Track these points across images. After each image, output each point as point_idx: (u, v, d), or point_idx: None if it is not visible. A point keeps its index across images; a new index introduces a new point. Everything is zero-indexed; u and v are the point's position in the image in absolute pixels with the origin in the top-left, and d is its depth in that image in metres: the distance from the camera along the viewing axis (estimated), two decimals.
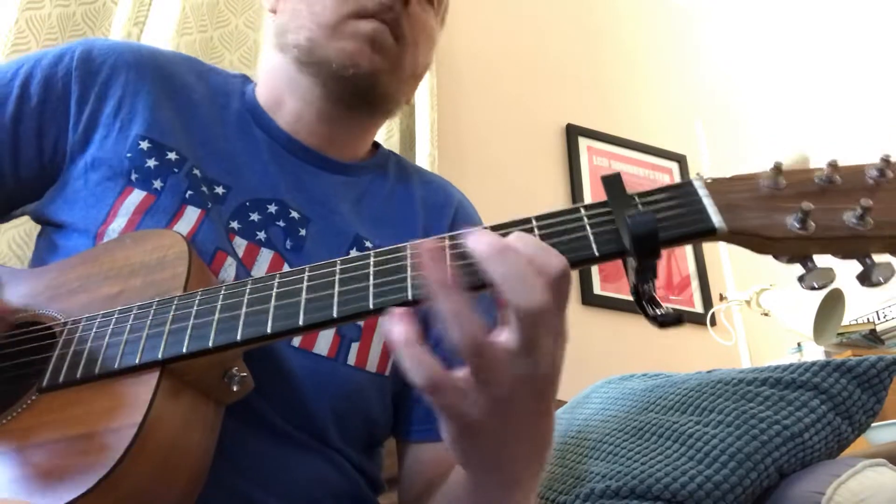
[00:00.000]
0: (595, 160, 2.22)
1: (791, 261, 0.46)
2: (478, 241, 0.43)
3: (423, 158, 1.74)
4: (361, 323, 0.71)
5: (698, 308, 2.15)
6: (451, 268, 0.43)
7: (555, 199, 2.09)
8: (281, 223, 0.72)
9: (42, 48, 1.36)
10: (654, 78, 2.50)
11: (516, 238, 0.44)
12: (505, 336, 0.43)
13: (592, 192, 2.14)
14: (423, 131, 1.78)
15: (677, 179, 2.32)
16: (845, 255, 0.45)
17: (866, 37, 2.64)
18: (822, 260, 0.45)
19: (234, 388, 0.54)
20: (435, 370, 0.42)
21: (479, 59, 2.16)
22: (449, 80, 2.02)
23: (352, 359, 0.69)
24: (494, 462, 0.48)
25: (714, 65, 2.68)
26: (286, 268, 0.70)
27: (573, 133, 2.22)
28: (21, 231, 1.26)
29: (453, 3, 0.91)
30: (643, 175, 2.29)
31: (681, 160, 2.37)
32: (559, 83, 2.30)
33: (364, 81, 0.74)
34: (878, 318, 1.98)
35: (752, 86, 2.71)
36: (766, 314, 1.93)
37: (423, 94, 1.83)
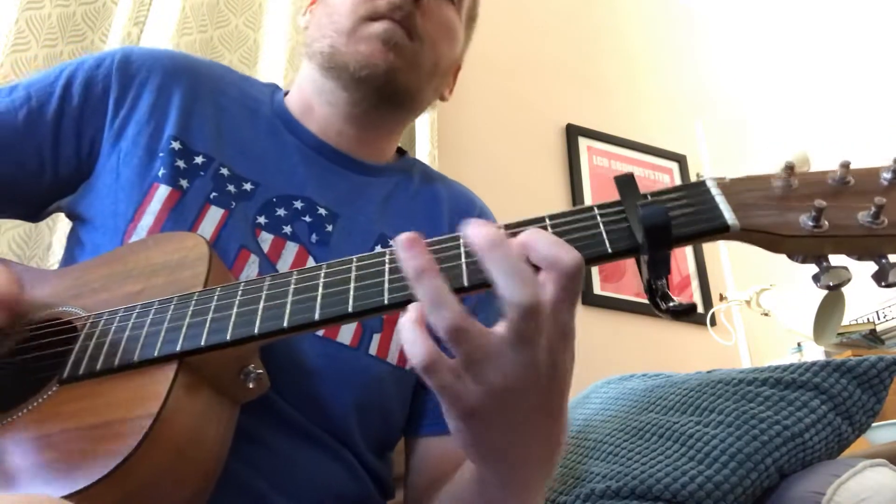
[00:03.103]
0: (595, 160, 2.22)
1: (805, 260, 0.46)
2: (476, 234, 0.44)
3: (423, 158, 1.73)
4: (383, 315, 0.72)
5: (698, 308, 2.15)
6: (426, 255, 0.43)
7: (555, 199, 2.09)
8: (307, 218, 0.75)
9: (42, 48, 1.36)
10: (654, 78, 2.50)
11: (531, 233, 0.45)
12: (501, 326, 0.43)
13: (593, 192, 2.14)
14: (423, 131, 1.78)
15: (677, 179, 2.33)
16: (860, 256, 0.45)
17: (866, 37, 2.64)
18: (836, 259, 0.45)
19: (250, 386, 0.54)
20: (430, 350, 0.43)
21: (479, 59, 2.16)
22: None
23: (373, 349, 0.70)
24: (499, 456, 0.49)
25: (714, 65, 2.68)
26: (311, 262, 0.72)
27: (573, 133, 2.22)
28: (21, 231, 1.26)
29: None
30: (643, 175, 2.28)
31: (681, 160, 2.37)
32: (559, 83, 2.30)
33: (380, 80, 0.76)
34: (878, 318, 1.98)
35: (752, 86, 2.71)
36: (766, 314, 1.93)
37: None
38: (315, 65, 0.80)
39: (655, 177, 2.30)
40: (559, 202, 2.08)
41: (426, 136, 1.77)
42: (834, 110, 2.59)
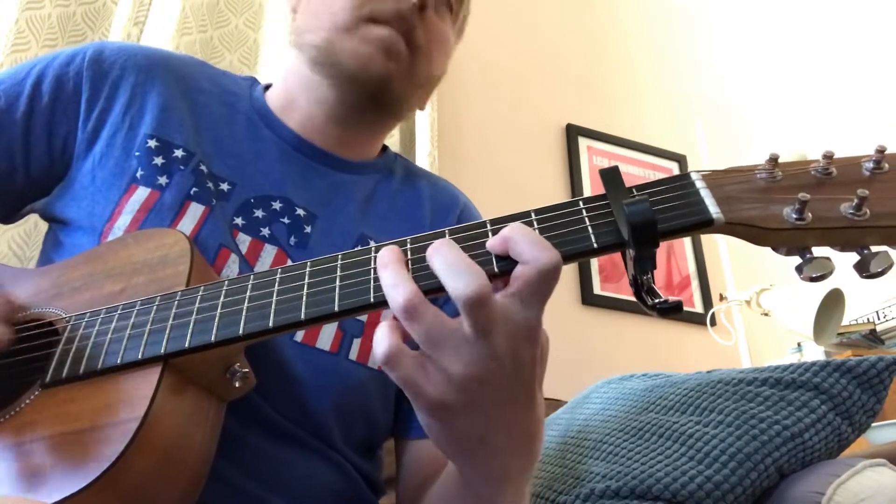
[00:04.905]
0: (595, 160, 2.22)
1: (789, 252, 0.46)
2: (432, 252, 0.45)
3: (423, 158, 1.74)
4: (364, 319, 0.72)
5: (698, 308, 2.15)
6: (397, 252, 0.46)
7: (555, 199, 2.07)
8: (286, 220, 0.73)
9: (42, 48, 1.36)
10: (654, 78, 2.50)
11: (515, 228, 0.45)
12: (460, 319, 0.44)
13: (593, 192, 2.12)
14: (423, 131, 1.78)
15: None
16: (843, 247, 0.45)
17: (865, 37, 2.64)
18: (819, 251, 0.46)
19: (236, 385, 0.54)
20: (393, 343, 0.44)
21: (479, 59, 2.16)
22: (449, 80, 2.01)
23: (354, 354, 0.70)
24: (472, 449, 0.49)
25: (714, 65, 2.68)
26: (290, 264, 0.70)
27: (573, 133, 2.22)
28: (21, 231, 1.26)
29: None
30: (643, 175, 2.29)
31: (681, 160, 2.37)
32: (559, 83, 2.30)
33: (376, 86, 0.75)
34: (878, 318, 1.98)
35: (751, 86, 2.71)
36: (766, 314, 1.93)
37: None
38: (305, 58, 0.78)
39: (655, 177, 2.30)
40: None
41: (426, 137, 1.77)
42: (833, 110, 2.59)
